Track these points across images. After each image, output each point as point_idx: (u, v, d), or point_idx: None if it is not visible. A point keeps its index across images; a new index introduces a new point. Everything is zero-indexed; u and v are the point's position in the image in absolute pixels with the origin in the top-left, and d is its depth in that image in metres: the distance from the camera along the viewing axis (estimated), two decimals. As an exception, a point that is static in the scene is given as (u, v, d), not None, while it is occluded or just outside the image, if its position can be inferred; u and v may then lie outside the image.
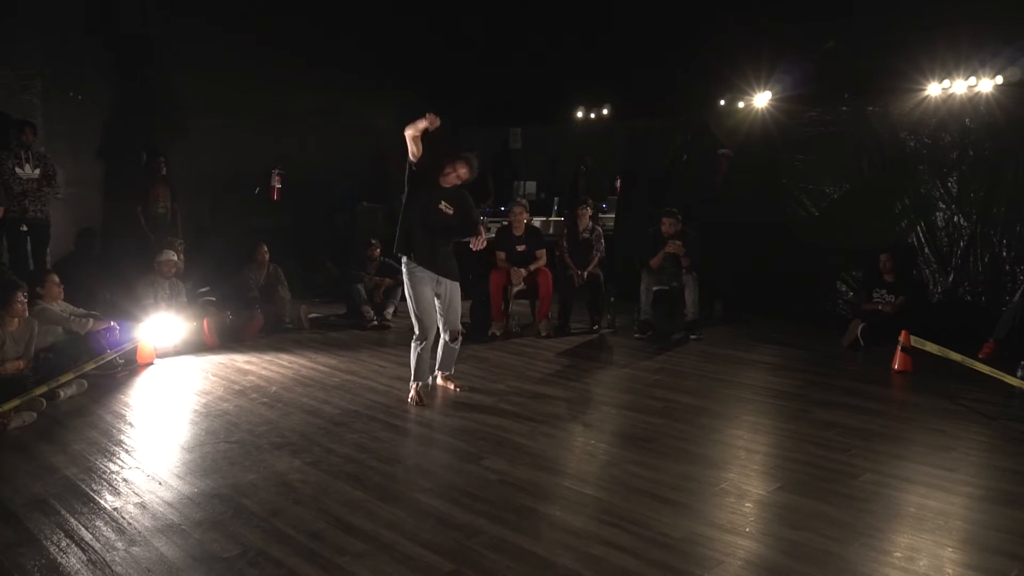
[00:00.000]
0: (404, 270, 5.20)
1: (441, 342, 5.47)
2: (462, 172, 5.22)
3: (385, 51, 10.63)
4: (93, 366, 5.53)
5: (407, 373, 5.58)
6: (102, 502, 3.62)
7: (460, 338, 5.48)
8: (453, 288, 5.27)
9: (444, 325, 5.36)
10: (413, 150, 5.00)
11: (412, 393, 5.23)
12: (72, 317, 5.99)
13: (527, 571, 2.99)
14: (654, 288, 7.53)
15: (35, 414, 4.80)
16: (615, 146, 10.69)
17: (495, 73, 11.44)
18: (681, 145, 9.43)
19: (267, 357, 6.55)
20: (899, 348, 6.08)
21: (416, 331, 5.20)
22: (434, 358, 5.47)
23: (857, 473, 4.00)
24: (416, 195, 5.16)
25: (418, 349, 5.20)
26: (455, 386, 5.55)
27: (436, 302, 5.25)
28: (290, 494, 3.71)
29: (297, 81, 9.82)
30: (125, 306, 6.70)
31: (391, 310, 8.01)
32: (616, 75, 10.53)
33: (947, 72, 7.48)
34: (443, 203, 5.18)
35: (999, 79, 7.23)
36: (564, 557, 3.10)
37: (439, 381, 5.60)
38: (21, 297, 5.22)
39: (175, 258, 7.01)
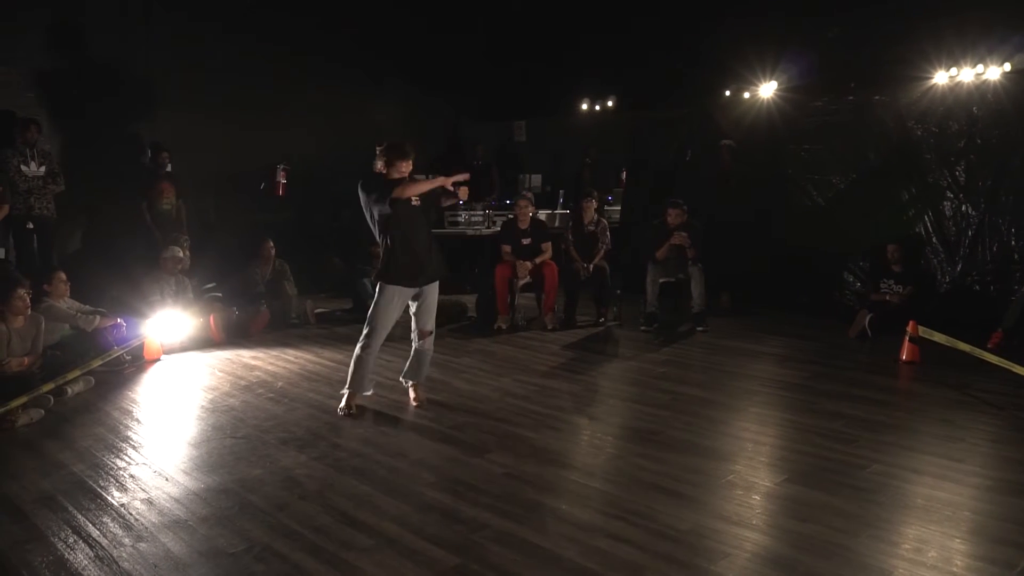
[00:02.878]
0: (380, 286, 4.76)
1: (413, 348, 5.00)
2: (407, 164, 4.66)
3: (388, 45, 10.60)
4: (100, 363, 5.55)
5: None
6: (109, 498, 3.63)
7: (431, 337, 4.98)
8: (431, 288, 4.86)
9: (416, 325, 4.92)
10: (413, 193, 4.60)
11: (343, 403, 4.85)
12: (79, 314, 6.01)
13: (533, 565, 2.99)
14: (660, 280, 7.51)
15: (43, 411, 4.81)
16: (620, 138, 10.65)
17: (499, 66, 11.40)
18: (686, 136, 9.39)
19: (273, 352, 6.55)
20: (907, 338, 6.06)
21: (365, 333, 4.79)
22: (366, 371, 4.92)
23: (865, 464, 3.99)
24: (392, 214, 4.63)
25: (361, 351, 4.79)
26: (415, 398, 5.06)
27: (411, 305, 4.87)
28: (296, 489, 3.71)
29: (301, 76, 9.80)
30: (131, 303, 6.71)
31: (397, 305, 8.00)
32: (621, 67, 10.47)
33: (954, 60, 7.42)
34: (413, 199, 4.67)
35: (1007, 67, 7.16)
36: (570, 550, 3.09)
37: (409, 391, 5.14)
38: (22, 293, 5.21)
39: (180, 254, 7.02)
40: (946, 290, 7.33)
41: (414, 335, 4.99)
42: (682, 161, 9.38)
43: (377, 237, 4.79)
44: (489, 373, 5.76)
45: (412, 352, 5.04)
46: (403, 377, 5.15)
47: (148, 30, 8.97)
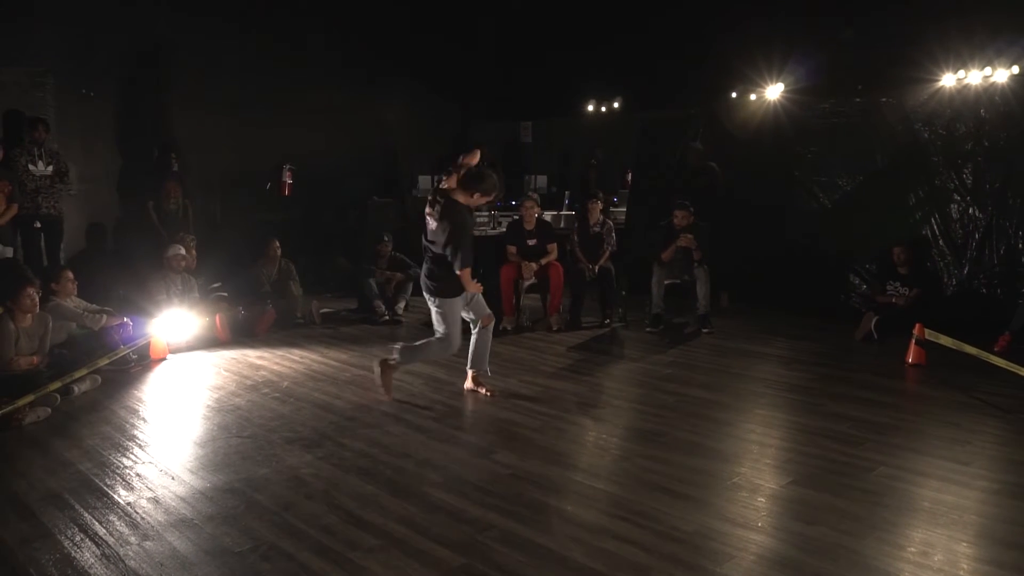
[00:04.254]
0: (448, 301, 5.00)
1: (473, 336, 5.25)
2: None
3: (395, 45, 10.62)
4: (107, 362, 5.56)
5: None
6: (116, 497, 3.64)
7: (492, 321, 5.31)
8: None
9: (474, 317, 5.19)
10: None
11: (467, 381, 5.31)
12: (86, 313, 6.03)
13: (538, 565, 2.99)
14: (666, 281, 7.50)
15: (49, 409, 4.83)
16: (626, 139, 10.65)
17: (506, 67, 11.42)
18: (692, 138, 9.39)
19: (279, 352, 6.56)
20: (913, 341, 6.04)
21: (449, 343, 5.07)
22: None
23: (871, 467, 3.98)
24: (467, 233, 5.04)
25: (445, 353, 5.16)
26: (486, 391, 5.26)
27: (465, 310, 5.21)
28: (302, 489, 3.72)
29: (308, 76, 9.83)
30: (138, 302, 6.74)
31: (402, 305, 8.02)
32: (627, 67, 10.48)
33: (962, 62, 7.40)
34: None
35: (1015, 69, 7.14)
36: (575, 551, 3.09)
37: (468, 383, 5.34)
38: (32, 292, 5.23)
39: (183, 252, 7.02)
40: (953, 293, 7.31)
41: (473, 327, 5.25)
42: (688, 162, 9.36)
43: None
44: (494, 374, 5.74)
45: (473, 340, 5.27)
46: (469, 368, 5.34)
47: (156, 30, 9.00)
